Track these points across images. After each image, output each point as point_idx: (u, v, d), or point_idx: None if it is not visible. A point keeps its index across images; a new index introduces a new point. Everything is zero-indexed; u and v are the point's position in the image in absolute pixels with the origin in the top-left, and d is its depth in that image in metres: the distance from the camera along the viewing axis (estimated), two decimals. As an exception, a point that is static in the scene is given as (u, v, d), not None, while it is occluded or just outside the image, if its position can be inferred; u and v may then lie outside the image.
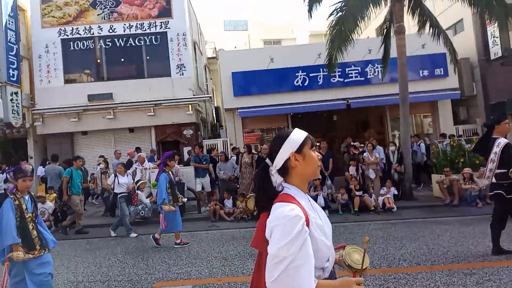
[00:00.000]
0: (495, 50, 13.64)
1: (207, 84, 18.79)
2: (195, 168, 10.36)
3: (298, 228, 1.42)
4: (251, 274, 4.93)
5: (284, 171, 1.63)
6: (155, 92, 13.52)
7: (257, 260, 1.65)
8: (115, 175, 8.24)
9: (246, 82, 13.12)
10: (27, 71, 13.74)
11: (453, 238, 6.19)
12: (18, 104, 12.22)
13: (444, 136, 12.01)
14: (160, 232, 6.92)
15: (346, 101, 12.65)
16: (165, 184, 6.71)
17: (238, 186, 10.58)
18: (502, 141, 5.01)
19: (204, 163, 10.49)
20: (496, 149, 4.99)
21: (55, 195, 9.45)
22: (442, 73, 13.15)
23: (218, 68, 14.43)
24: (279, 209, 1.49)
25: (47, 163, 11.00)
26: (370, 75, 13.12)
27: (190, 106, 13.54)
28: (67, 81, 13.89)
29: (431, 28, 10.40)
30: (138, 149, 12.05)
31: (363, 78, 13.10)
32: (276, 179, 1.63)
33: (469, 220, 7.46)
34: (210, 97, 17.36)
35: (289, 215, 1.45)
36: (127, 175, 8.38)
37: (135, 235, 7.87)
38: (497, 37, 13.45)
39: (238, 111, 13.04)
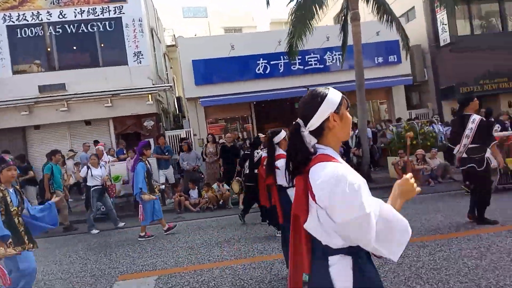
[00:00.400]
0: (444, 37, 14.42)
1: (167, 73, 18.32)
2: (158, 159, 10.16)
3: (357, 182, 1.38)
4: (217, 261, 5.01)
5: (318, 132, 1.56)
6: (111, 81, 12.95)
7: (292, 226, 1.59)
8: (88, 167, 7.85)
9: (207, 70, 12.94)
10: (-32, 62, 12.64)
11: (407, 214, 6.57)
12: (-41, 97, 11.24)
13: (399, 121, 12.64)
14: (143, 227, 6.70)
15: (306, 89, 12.79)
16: (143, 173, 6.53)
17: (202, 176, 10.54)
18: (476, 118, 5.27)
19: (166, 154, 10.32)
20: (472, 125, 5.22)
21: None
22: (396, 59, 13.73)
23: (178, 56, 14.10)
24: (327, 170, 1.42)
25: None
26: (328, 62, 13.42)
27: (150, 96, 13.13)
28: (15, 72, 12.96)
29: (385, 15, 10.79)
30: (96, 142, 11.60)
31: (322, 66, 13.38)
32: (310, 140, 1.56)
33: (421, 198, 7.96)
34: (171, 86, 16.94)
35: (342, 174, 1.39)
36: (101, 167, 8.01)
37: (97, 231, 7.64)
38: (446, 24, 14.21)
39: (200, 100, 12.88)
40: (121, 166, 9.96)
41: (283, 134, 4.17)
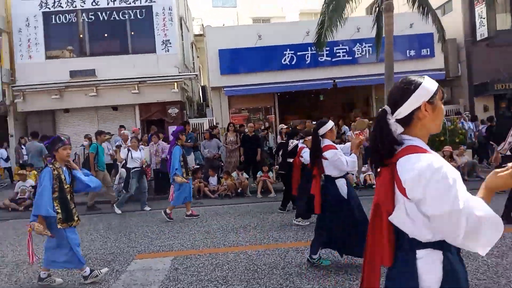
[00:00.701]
0: (482, 31, 13.70)
1: (193, 62, 18.47)
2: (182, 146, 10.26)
3: (453, 176, 1.33)
4: (232, 246, 5.03)
5: (406, 121, 1.48)
6: (139, 68, 13.22)
7: (373, 217, 1.54)
8: (128, 150, 8.04)
9: (233, 60, 12.94)
10: (7, 46, 13.23)
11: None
12: (-3, 79, 11.82)
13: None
14: (172, 206, 6.90)
15: (333, 81, 12.64)
16: (179, 156, 6.72)
17: (222, 164, 10.60)
18: None
19: (189, 141, 10.41)
20: None
21: (35, 172, 9.29)
22: (429, 53, 13.21)
23: (205, 45, 14.18)
24: (422, 163, 1.35)
25: (25, 138, 10.75)
26: (357, 54, 13.09)
27: (175, 84, 13.32)
28: (48, 57, 13.46)
29: (420, 7, 10.35)
30: (122, 127, 11.88)
31: (350, 58, 13.07)
32: (396, 128, 1.49)
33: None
34: (196, 75, 17.11)
35: (438, 167, 1.33)
36: (140, 150, 8.20)
37: (120, 212, 7.84)
38: (484, 18, 13.49)
39: (224, 89, 12.92)
40: (145, 150, 10.13)
41: (329, 125, 4.09)
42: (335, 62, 13.02)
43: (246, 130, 10.53)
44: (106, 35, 14.09)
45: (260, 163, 9.84)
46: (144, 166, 8.27)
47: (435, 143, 9.88)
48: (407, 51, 13.20)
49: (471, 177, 9.19)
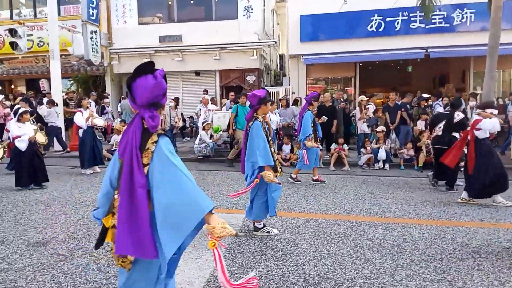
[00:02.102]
0: None
1: (273, 29, 18.25)
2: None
3: None
4: (302, 212, 5.05)
5: None
6: (221, 35, 13.52)
7: None
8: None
9: (314, 26, 12.46)
10: (105, 11, 14.48)
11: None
12: (97, 42, 13.08)
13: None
14: (297, 170, 7.12)
15: (425, 50, 11.47)
16: (310, 121, 6.72)
17: (296, 133, 10.53)
18: None
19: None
20: None
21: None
22: (547, 21, 11.14)
23: (286, 11, 13.83)
24: None
25: (121, 97, 11.86)
26: (456, 21, 11.61)
27: (255, 51, 13.39)
28: (140, 23, 14.44)
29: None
30: (205, 91, 12.43)
31: (447, 25, 11.65)
32: None
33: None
34: (276, 42, 16.93)
35: None
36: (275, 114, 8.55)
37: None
38: None
39: (303, 58, 12.59)
40: (223, 115, 10.51)
41: None
42: (429, 30, 11.73)
43: (322, 100, 10.24)
44: (192, 1, 14.57)
45: (335, 135, 9.59)
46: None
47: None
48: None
49: None
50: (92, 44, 12.61)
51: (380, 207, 5.43)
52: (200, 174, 8.09)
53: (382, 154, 8.51)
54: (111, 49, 14.32)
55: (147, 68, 1.89)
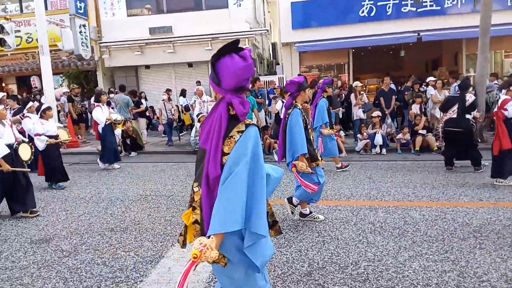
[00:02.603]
0: None
1: (264, 18, 18.08)
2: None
3: None
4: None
5: None
6: (212, 25, 13.36)
7: None
8: (283, 101, 7.81)
9: (306, 13, 12.35)
10: (93, 4, 14.20)
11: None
12: (87, 36, 12.84)
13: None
14: (336, 158, 6.95)
15: (417, 34, 11.46)
16: (325, 108, 6.53)
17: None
18: None
19: (260, 97, 10.49)
20: None
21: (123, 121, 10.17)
22: (537, 0, 11.18)
23: (277, -1, 13.69)
24: None
25: (115, 92, 11.72)
26: (447, 3, 11.58)
27: (246, 40, 13.26)
28: (129, 15, 14.19)
29: None
30: (198, 83, 12.33)
31: (439, 8, 11.62)
32: None
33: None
34: (267, 30, 16.81)
35: None
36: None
37: None
38: None
39: (295, 45, 12.52)
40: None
41: None
42: (421, 13, 11.70)
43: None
44: (181, -9, 14.34)
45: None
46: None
47: None
48: (509, -1, 11.33)
49: None
50: (82, 38, 12.38)
51: (379, 191, 5.48)
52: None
53: (378, 139, 8.55)
54: (100, 43, 14.10)
55: (233, 47, 1.69)
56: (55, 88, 11.97)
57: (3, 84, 16.46)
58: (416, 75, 11.66)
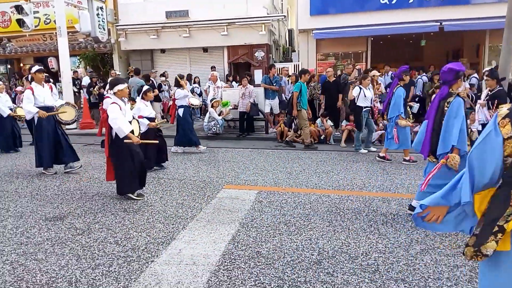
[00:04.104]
0: None
1: (282, 3, 17.78)
2: (265, 89, 10.30)
3: None
4: (314, 188, 5.06)
5: None
6: (229, 10, 13.21)
7: None
8: (360, 88, 7.53)
9: (324, -1, 12.08)
10: (110, -14, 14.18)
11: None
12: (104, 19, 12.87)
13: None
14: (385, 149, 6.79)
15: (439, 23, 11.09)
16: (402, 98, 6.32)
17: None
18: None
19: (274, 84, 10.38)
20: None
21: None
22: None
23: (296, -16, 13.41)
24: None
25: (130, 76, 11.79)
26: (473, -8, 11.14)
27: (263, 25, 13.09)
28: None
29: None
30: (212, 68, 12.29)
31: (463, -4, 11.20)
32: None
33: None
34: (285, 16, 16.53)
35: None
36: (369, 89, 7.73)
37: (365, 151, 7.67)
38: None
39: (313, 32, 12.29)
40: (233, 92, 10.45)
41: None
42: (444, 2, 11.29)
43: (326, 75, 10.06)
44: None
45: (344, 110, 9.46)
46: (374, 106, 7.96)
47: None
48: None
49: None
50: (99, 21, 12.42)
51: (393, 183, 5.40)
52: (210, 151, 8.10)
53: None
54: (117, 26, 14.13)
55: None
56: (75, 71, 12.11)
57: (21, 64, 16.73)
58: (436, 66, 11.34)
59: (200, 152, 7.80)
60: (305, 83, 8.32)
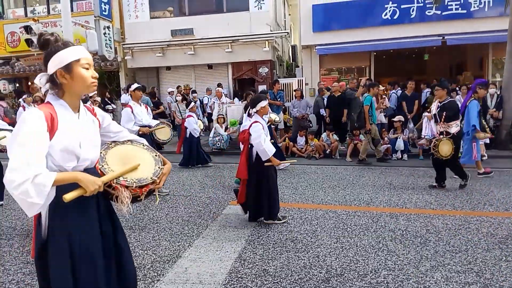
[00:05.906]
0: None
1: (285, 20, 18.05)
2: (270, 104, 10.33)
3: None
4: (320, 204, 5.01)
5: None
6: (233, 27, 13.43)
7: None
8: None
9: (327, 15, 12.25)
10: (117, 6, 14.51)
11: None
12: (110, 38, 13.15)
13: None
14: (479, 162, 6.40)
15: (441, 37, 11.18)
16: (476, 111, 6.16)
17: (311, 125, 10.46)
18: None
19: (278, 100, 10.45)
20: None
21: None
22: None
23: (298, 1, 13.63)
24: None
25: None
26: (474, 7, 11.23)
27: (267, 42, 13.27)
28: (152, 17, 14.44)
29: None
30: (219, 85, 12.40)
31: (464, 11, 11.28)
32: None
33: None
34: (288, 32, 16.76)
35: None
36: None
37: None
38: None
39: (316, 48, 12.43)
40: (237, 108, 10.50)
41: None
42: (446, 16, 11.40)
43: (332, 89, 10.13)
44: (202, -6, 14.48)
45: (349, 125, 9.48)
46: None
47: None
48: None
49: None
50: (106, 40, 12.68)
51: (400, 197, 5.35)
52: (215, 167, 8.11)
53: (400, 144, 8.38)
54: (124, 44, 14.39)
55: None
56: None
57: (29, 83, 17.01)
58: (438, 80, 11.36)
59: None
60: (373, 96, 7.98)
